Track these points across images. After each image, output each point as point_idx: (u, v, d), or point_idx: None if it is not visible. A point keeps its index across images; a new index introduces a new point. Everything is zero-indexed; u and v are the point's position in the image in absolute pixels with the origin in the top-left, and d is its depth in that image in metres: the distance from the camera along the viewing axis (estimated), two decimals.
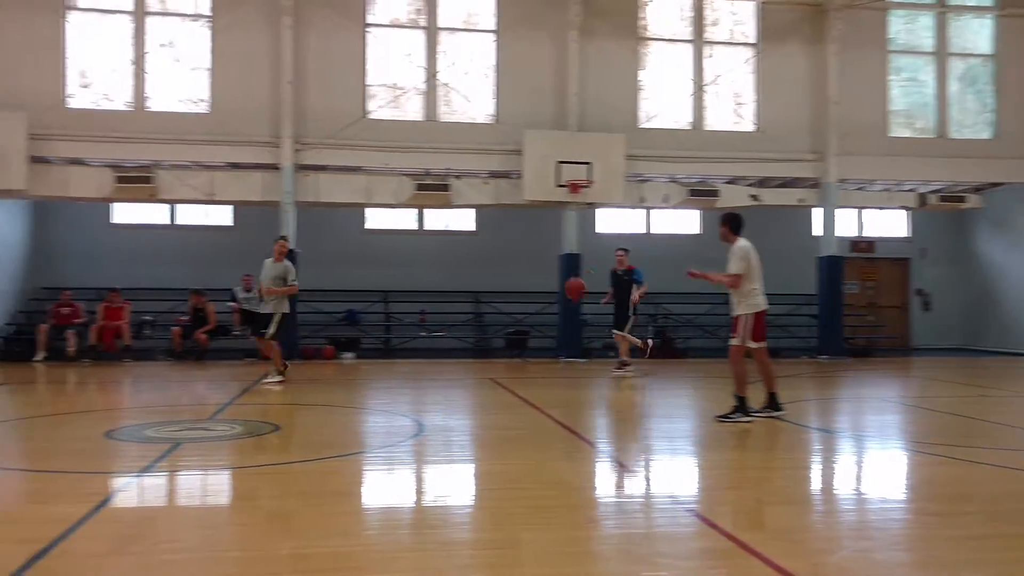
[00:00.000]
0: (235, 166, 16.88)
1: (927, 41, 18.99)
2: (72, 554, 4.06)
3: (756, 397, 8.62)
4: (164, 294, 17.98)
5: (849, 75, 18.17)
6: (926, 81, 18.99)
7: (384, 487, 5.96)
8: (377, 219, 20.14)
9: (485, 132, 17.33)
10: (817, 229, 19.14)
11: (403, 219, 20.24)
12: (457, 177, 17.37)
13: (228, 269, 16.93)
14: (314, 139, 16.72)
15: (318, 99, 16.76)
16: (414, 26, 17.38)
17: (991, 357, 18.94)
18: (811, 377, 14.36)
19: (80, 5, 16.49)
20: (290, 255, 16.11)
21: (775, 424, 8.30)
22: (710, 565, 4.06)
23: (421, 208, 19.50)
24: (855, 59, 18.26)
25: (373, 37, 17.22)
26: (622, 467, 6.54)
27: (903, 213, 21.55)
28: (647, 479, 6.17)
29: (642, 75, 17.97)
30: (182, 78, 16.67)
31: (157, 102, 16.60)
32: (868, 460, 7.21)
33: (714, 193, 18.05)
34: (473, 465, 6.79)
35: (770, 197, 18.50)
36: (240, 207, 18.80)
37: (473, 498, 5.64)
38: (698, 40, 18.16)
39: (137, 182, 16.30)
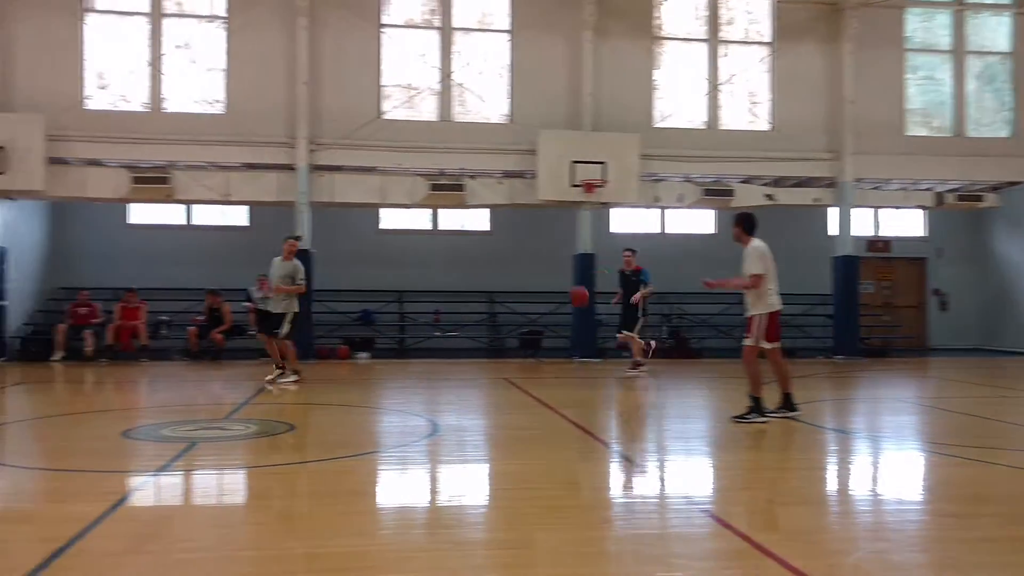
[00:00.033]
0: (250, 167, 16.96)
1: (944, 39, 18.86)
2: (89, 553, 4.09)
3: (771, 398, 8.58)
4: (180, 294, 18.09)
5: (865, 74, 18.07)
6: (943, 79, 18.86)
7: (398, 487, 5.97)
8: (391, 219, 20.19)
9: (499, 132, 17.34)
10: (833, 228, 19.04)
11: (417, 219, 20.28)
12: (471, 177, 17.38)
13: (244, 269, 17.00)
14: (329, 139, 16.77)
15: (333, 100, 16.82)
16: (428, 26, 17.41)
17: (1009, 357, 18.77)
18: (826, 377, 14.28)
19: (97, 7, 16.62)
20: (305, 255, 16.25)
21: (790, 425, 8.26)
22: (725, 566, 4.05)
23: (435, 208, 19.54)
24: (871, 58, 18.15)
25: (388, 37, 17.26)
26: (636, 467, 6.52)
27: (920, 212, 21.41)
28: (661, 479, 6.16)
29: (657, 74, 17.93)
30: (198, 79, 16.77)
31: (173, 103, 16.71)
32: (884, 461, 7.17)
33: (729, 193, 17.99)
34: (487, 465, 6.80)
35: (785, 197, 18.42)
36: (255, 207, 18.90)
37: (487, 498, 5.64)
38: (713, 39, 18.10)
39: (153, 183, 16.41)
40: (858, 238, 19.10)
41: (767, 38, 18.28)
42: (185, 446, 6.88)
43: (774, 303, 8.41)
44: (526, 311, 19.32)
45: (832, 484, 6.29)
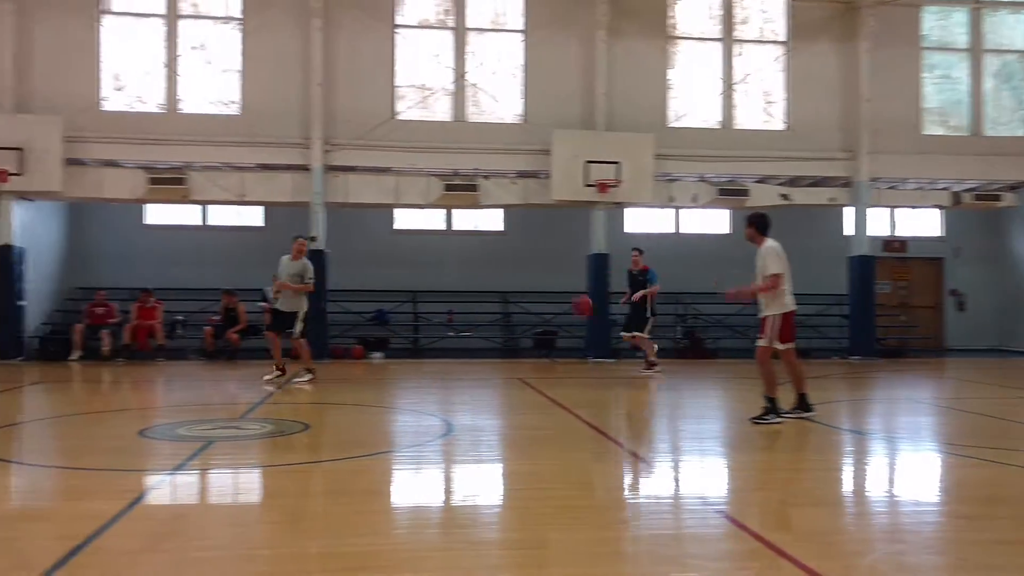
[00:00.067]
0: (265, 167, 17.04)
1: (961, 37, 18.74)
2: (106, 551, 4.12)
3: (786, 398, 8.55)
4: (196, 294, 18.19)
5: (881, 72, 17.97)
6: (960, 78, 18.75)
7: (413, 486, 5.98)
8: (406, 219, 20.23)
9: (513, 132, 17.35)
10: (848, 228, 18.94)
11: (431, 219, 20.31)
12: (485, 177, 17.40)
13: (259, 269, 16.99)
14: (343, 140, 16.83)
15: (347, 100, 16.87)
16: (442, 27, 17.45)
17: None
18: (842, 378, 14.22)
19: (114, 9, 16.75)
20: (319, 255, 16.33)
21: (806, 425, 8.23)
22: (740, 566, 4.04)
23: (449, 208, 19.56)
24: (887, 56, 18.05)
25: (402, 38, 17.30)
26: (650, 468, 6.51)
27: (936, 212, 21.27)
28: (676, 480, 6.15)
29: (671, 74, 17.90)
30: (213, 80, 16.88)
31: (189, 104, 16.82)
32: (899, 462, 7.13)
33: (744, 192, 17.93)
34: (501, 465, 6.80)
35: (801, 196, 18.35)
36: (270, 208, 18.98)
37: (501, 498, 5.64)
38: (727, 38, 18.05)
39: (169, 183, 16.52)
40: (874, 238, 19.00)
41: (782, 37, 18.21)
42: (201, 445, 6.92)
43: (789, 304, 8.37)
44: (540, 311, 19.31)
45: (847, 485, 6.26)
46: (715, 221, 20.89)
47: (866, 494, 5.93)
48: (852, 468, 6.78)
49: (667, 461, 6.90)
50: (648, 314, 13.66)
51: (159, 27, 16.74)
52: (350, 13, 16.95)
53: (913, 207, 20.11)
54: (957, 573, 4.02)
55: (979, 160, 18.22)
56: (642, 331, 13.71)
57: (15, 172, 15.48)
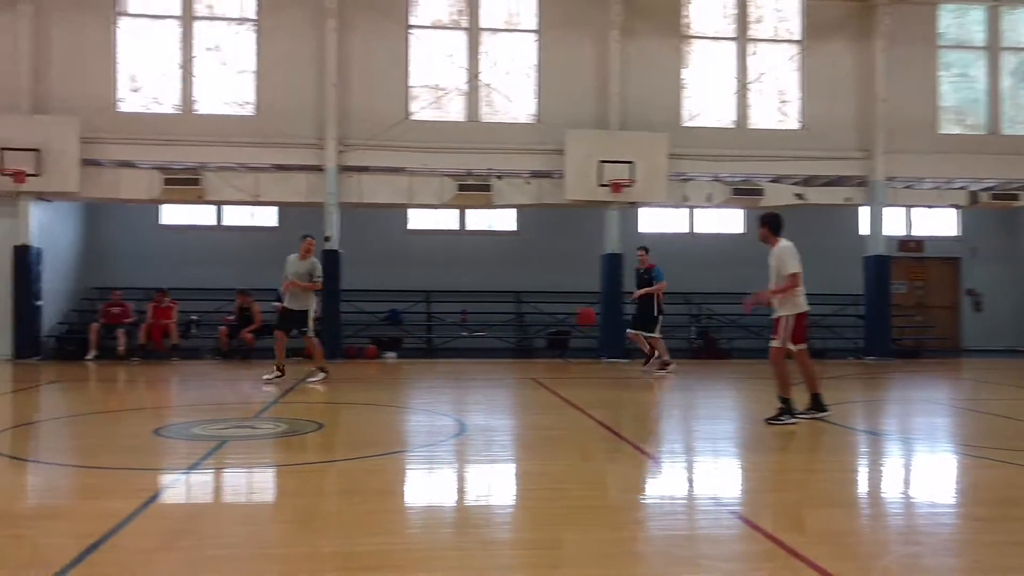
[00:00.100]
0: (280, 168, 17.11)
1: (978, 35, 18.60)
2: (122, 549, 4.15)
3: (800, 399, 8.51)
4: (211, 294, 18.29)
5: (897, 71, 17.87)
6: (977, 76, 18.62)
7: (426, 486, 5.99)
8: (419, 220, 20.26)
9: (527, 132, 17.36)
10: (864, 228, 18.83)
11: (445, 219, 20.34)
12: (499, 177, 17.41)
13: (273, 269, 16.95)
14: (357, 140, 16.88)
15: (361, 101, 16.92)
16: (456, 27, 17.47)
17: None
18: (857, 378, 14.14)
19: (130, 11, 16.85)
20: (333, 255, 16.42)
21: (820, 426, 8.19)
22: (754, 568, 4.02)
23: (463, 208, 19.58)
24: (903, 55, 17.94)
25: (415, 38, 17.34)
26: (664, 468, 6.50)
27: (953, 211, 21.12)
28: (689, 480, 6.13)
29: (685, 73, 17.87)
30: (228, 81, 16.97)
31: (204, 105, 16.92)
32: (915, 463, 7.08)
33: (758, 192, 17.86)
34: (514, 465, 6.80)
35: (816, 196, 18.27)
36: (284, 208, 19.05)
37: (514, 498, 5.65)
38: (742, 38, 17.99)
39: (185, 184, 16.62)
40: (890, 238, 18.90)
41: (797, 36, 18.14)
42: (215, 444, 6.96)
43: (802, 304, 8.34)
44: (553, 311, 19.30)
45: (862, 486, 6.22)
46: (729, 221, 20.83)
47: (881, 495, 5.90)
48: (867, 469, 6.74)
49: (681, 462, 6.88)
50: (655, 312, 13.65)
51: (175, 28, 16.84)
52: (364, 14, 17.00)
53: (929, 207, 19.97)
54: (972, 575, 3.99)
55: (996, 159, 18.09)
56: (652, 331, 13.71)
57: (33, 173, 15.61)
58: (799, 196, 18.06)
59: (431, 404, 10.81)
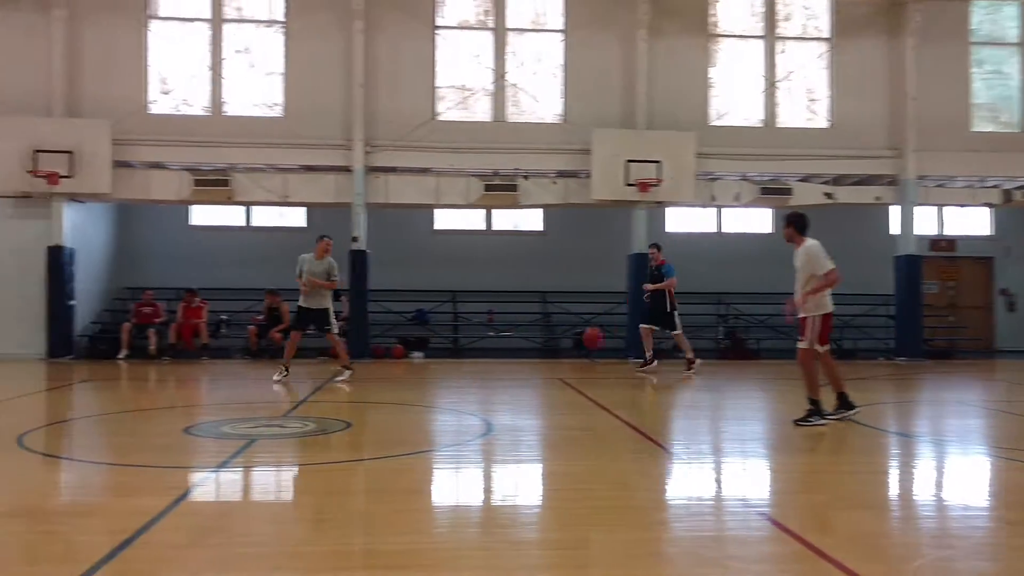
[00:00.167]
0: (308, 168, 17.23)
1: (1012, 32, 18.35)
2: (153, 545, 4.20)
3: (827, 400, 8.43)
4: (240, 294, 18.44)
5: (928, 69, 17.63)
6: (1010, 73, 18.34)
7: (453, 485, 6.01)
8: (446, 220, 20.31)
9: (553, 132, 17.34)
10: (895, 227, 18.61)
11: (471, 220, 20.37)
12: (525, 177, 17.40)
13: None
14: (385, 141, 16.96)
15: (388, 102, 17.00)
16: (483, 27, 17.50)
17: None
18: (888, 379, 13.99)
19: (161, 14, 17.05)
20: (361, 256, 16.53)
21: (850, 427, 8.11)
22: (782, 569, 4.00)
23: (489, 208, 19.59)
24: (934, 52, 17.70)
25: (442, 39, 17.38)
26: (691, 469, 6.46)
27: (986, 210, 20.81)
28: (717, 481, 6.09)
29: (712, 72, 17.76)
30: (257, 83, 17.12)
31: (233, 107, 17.08)
32: (946, 465, 6.99)
33: (787, 191, 17.71)
34: (541, 465, 6.80)
35: (845, 195, 18.08)
36: (312, 209, 19.17)
37: (541, 498, 5.65)
38: (770, 36, 17.86)
39: (214, 185, 16.78)
40: (921, 237, 18.67)
41: (825, 34, 17.97)
42: (245, 443, 7.02)
43: (828, 304, 8.27)
44: (580, 311, 19.26)
45: (893, 488, 6.15)
46: (757, 220, 20.67)
47: (912, 497, 5.83)
48: (897, 471, 6.67)
49: (708, 462, 6.84)
50: (668, 308, 13.65)
51: (204, 31, 17.02)
52: (391, 15, 17.07)
53: (962, 206, 19.69)
54: None
55: None
56: (673, 328, 13.72)
57: (66, 175, 15.83)
58: (828, 195, 17.89)
59: (458, 404, 10.83)
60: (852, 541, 4.39)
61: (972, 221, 21.23)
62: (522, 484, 6.06)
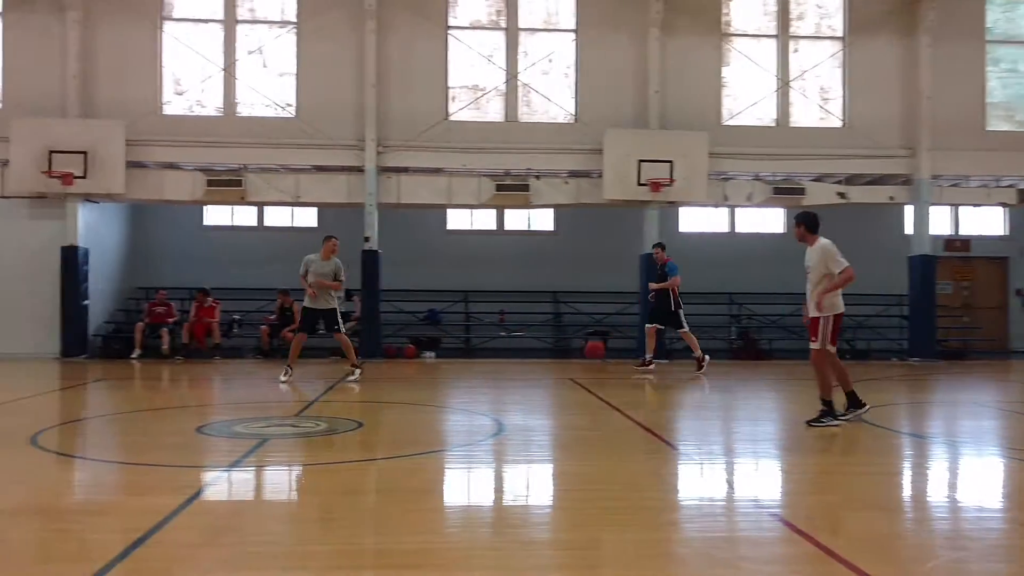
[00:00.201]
0: (320, 169, 17.28)
1: None
2: (167, 544, 4.22)
3: (838, 400, 8.39)
4: (252, 294, 18.51)
5: (943, 67, 17.52)
6: None
7: (465, 485, 6.02)
8: (458, 220, 20.33)
9: (565, 132, 17.33)
10: (909, 227, 18.51)
11: (483, 220, 20.39)
12: (537, 177, 17.40)
13: None
14: (397, 141, 16.99)
15: (400, 102, 17.02)
16: (495, 27, 17.50)
17: None
18: (901, 380, 13.91)
19: (175, 15, 17.13)
20: (373, 256, 16.56)
21: (863, 428, 8.07)
22: (794, 570, 3.98)
23: (501, 208, 19.60)
24: (949, 51, 17.59)
25: (454, 39, 17.39)
26: (703, 469, 6.45)
27: (1001, 210, 20.67)
28: (728, 482, 6.07)
29: (725, 72, 17.71)
30: (270, 83, 17.17)
31: (246, 107, 17.15)
32: (960, 466, 6.95)
33: (800, 191, 17.63)
34: (552, 465, 6.79)
35: (859, 195, 17.99)
36: (324, 209, 19.22)
37: (552, 498, 5.65)
38: (783, 35, 17.78)
39: (227, 185, 16.85)
40: (936, 237, 18.56)
41: (839, 33, 17.89)
42: (257, 442, 7.05)
43: (839, 304, 8.23)
44: (592, 311, 19.24)
45: (906, 489, 6.12)
46: (770, 220, 20.60)
47: (925, 499, 5.80)
48: (911, 472, 6.63)
49: (719, 463, 6.82)
50: (673, 307, 13.68)
51: (217, 32, 17.09)
52: (403, 15, 17.10)
53: (976, 205, 19.56)
54: None
55: None
56: (680, 326, 13.79)
57: (80, 175, 15.92)
58: (842, 195, 17.81)
59: (470, 404, 10.84)
60: (864, 542, 4.37)
61: (987, 221, 21.10)
62: (533, 484, 6.06)
